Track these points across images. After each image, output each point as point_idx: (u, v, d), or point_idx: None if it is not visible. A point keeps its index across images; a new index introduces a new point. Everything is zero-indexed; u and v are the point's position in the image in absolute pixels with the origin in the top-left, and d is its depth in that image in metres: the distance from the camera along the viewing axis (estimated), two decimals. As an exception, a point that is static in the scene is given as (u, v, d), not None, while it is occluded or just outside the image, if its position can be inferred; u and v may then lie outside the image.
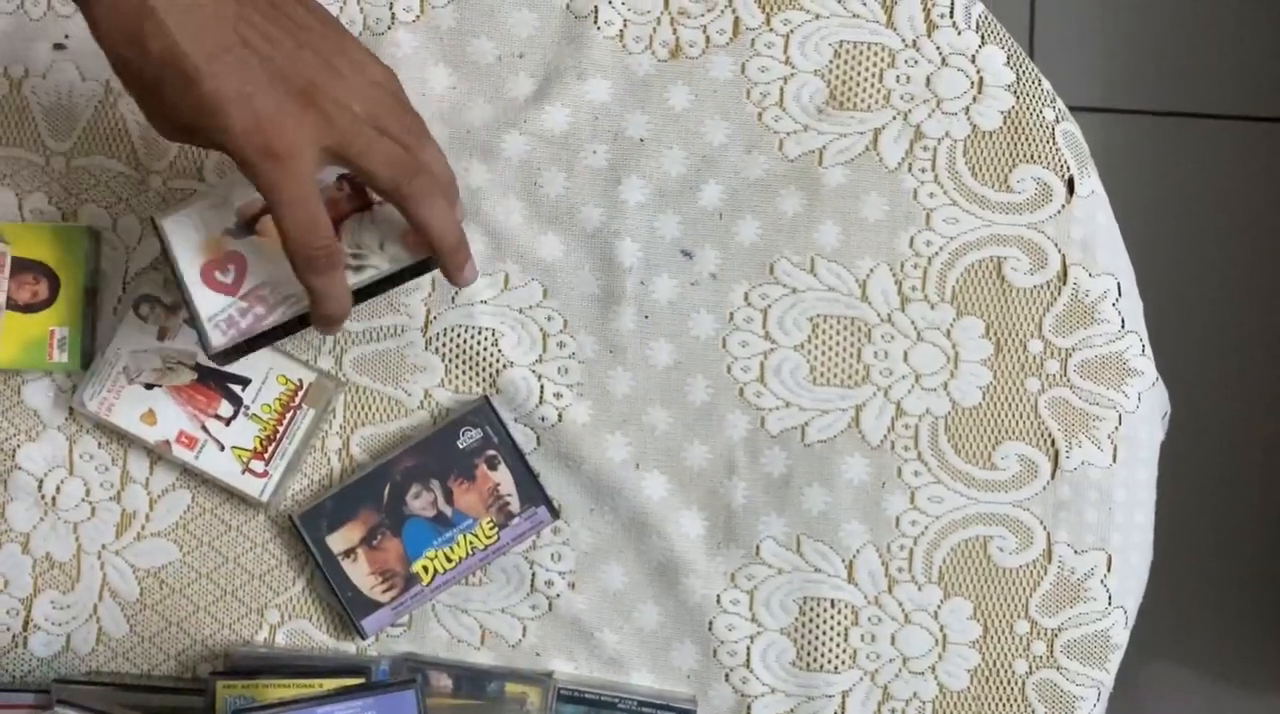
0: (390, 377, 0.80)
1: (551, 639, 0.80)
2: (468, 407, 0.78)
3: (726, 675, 0.80)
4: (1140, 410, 0.81)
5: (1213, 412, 1.51)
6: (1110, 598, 0.80)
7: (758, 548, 0.80)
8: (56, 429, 0.80)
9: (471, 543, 0.78)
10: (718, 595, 0.80)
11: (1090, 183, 0.81)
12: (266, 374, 0.78)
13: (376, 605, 0.78)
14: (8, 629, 0.80)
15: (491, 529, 0.78)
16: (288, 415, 0.78)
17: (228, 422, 0.78)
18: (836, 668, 0.80)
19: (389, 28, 0.82)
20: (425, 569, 0.78)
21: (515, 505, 0.78)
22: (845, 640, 0.80)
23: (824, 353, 0.80)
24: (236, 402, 0.78)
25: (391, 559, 0.77)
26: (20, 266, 0.79)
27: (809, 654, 0.80)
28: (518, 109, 0.81)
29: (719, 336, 0.80)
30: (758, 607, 0.80)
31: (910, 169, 0.81)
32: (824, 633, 0.80)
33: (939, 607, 0.80)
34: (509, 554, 0.79)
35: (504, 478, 0.78)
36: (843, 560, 0.80)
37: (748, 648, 0.80)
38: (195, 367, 0.78)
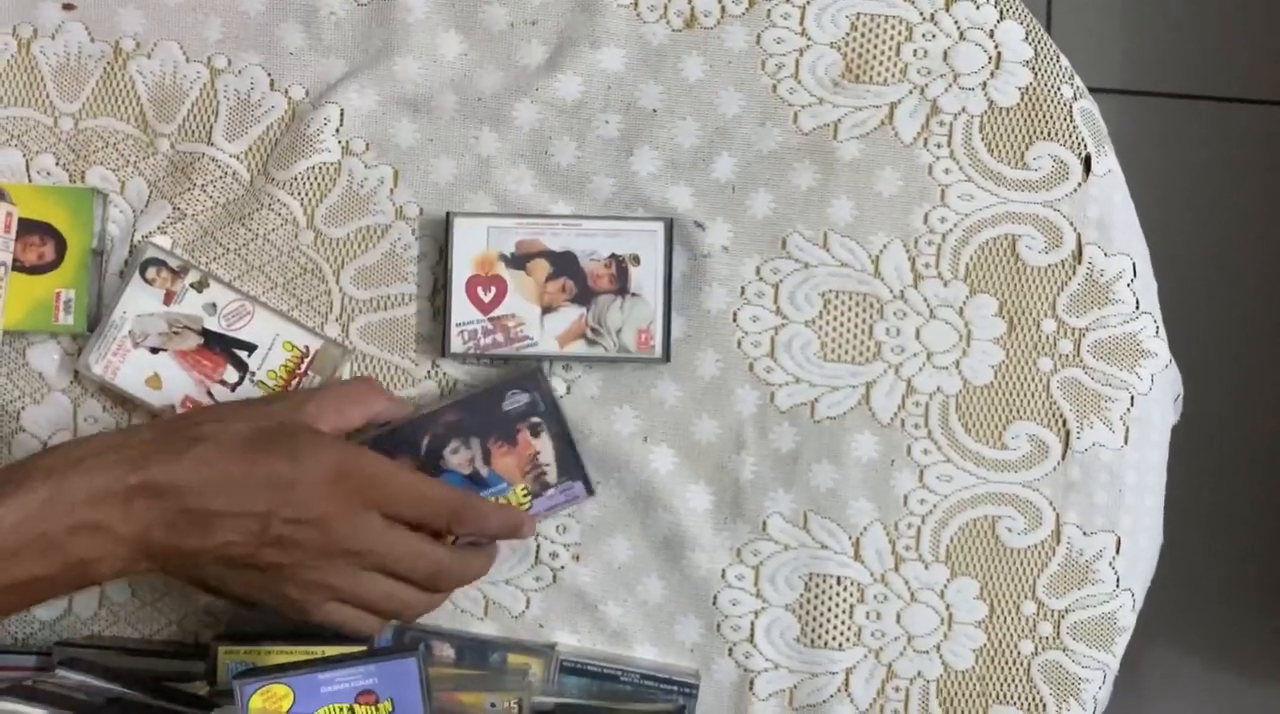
0: (397, 346, 0.80)
1: (555, 611, 0.80)
2: (518, 370, 0.78)
3: (730, 650, 0.80)
4: (1153, 392, 0.80)
5: (1225, 396, 1.50)
6: (1118, 580, 0.80)
7: (764, 523, 0.79)
8: (61, 392, 0.79)
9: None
10: (723, 570, 0.80)
11: (1107, 161, 0.80)
12: (273, 340, 0.78)
13: None
14: (10, 591, 0.80)
15: (525, 496, 0.77)
16: (293, 382, 0.78)
17: (233, 387, 0.77)
18: (841, 645, 0.80)
19: (401, -8, 0.81)
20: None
21: (552, 476, 0.78)
22: (850, 618, 0.80)
23: (835, 329, 0.80)
24: (242, 367, 0.77)
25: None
26: (27, 228, 0.78)
27: (813, 631, 0.80)
28: (530, 77, 0.80)
29: (729, 310, 0.80)
30: (763, 582, 0.80)
31: (926, 144, 0.80)
32: (829, 610, 0.80)
33: (945, 586, 0.80)
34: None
35: (545, 447, 0.77)
36: (850, 537, 0.80)
37: (752, 623, 0.80)
38: (201, 331, 0.78)
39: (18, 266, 0.78)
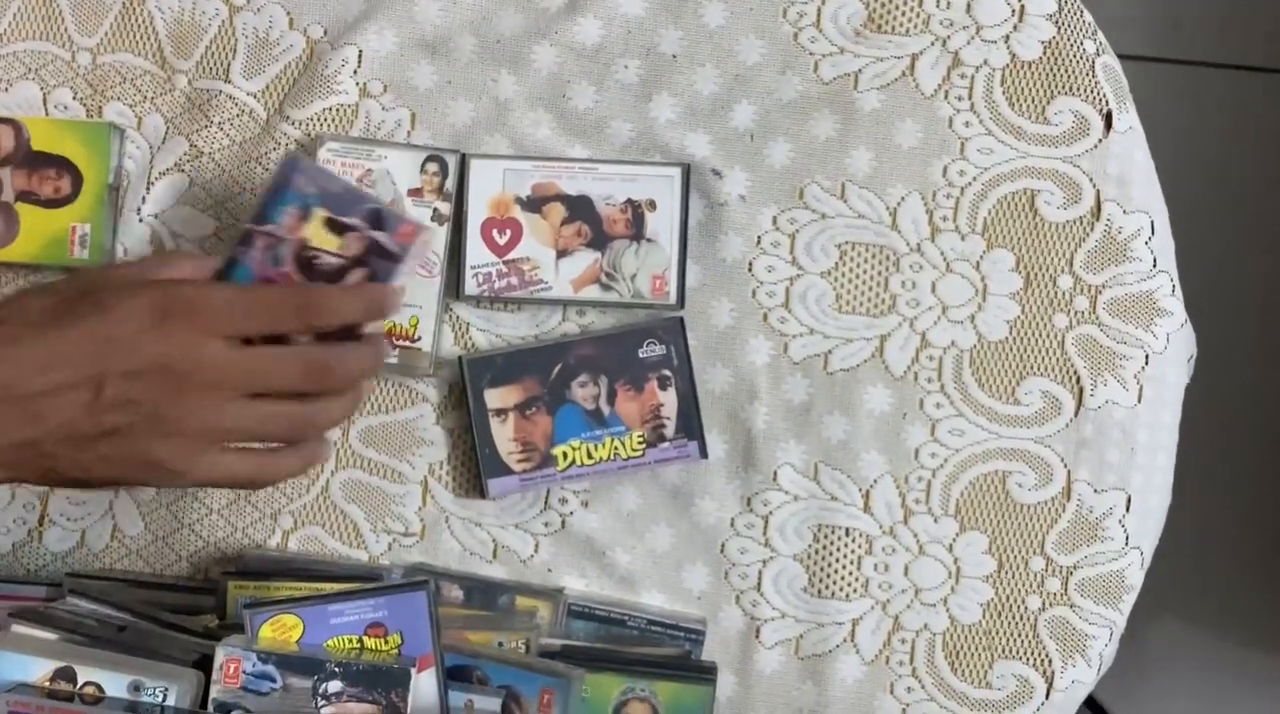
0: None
1: (563, 556, 0.80)
2: (661, 320, 0.78)
3: (737, 598, 0.80)
4: (1168, 351, 0.80)
5: (1236, 359, 1.49)
6: (1127, 538, 0.80)
7: (775, 474, 0.79)
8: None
9: (616, 448, 0.77)
10: (732, 519, 0.80)
11: (1128, 118, 0.80)
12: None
13: (508, 471, 0.77)
14: (23, 523, 0.81)
15: (639, 443, 0.77)
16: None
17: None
18: (848, 596, 0.80)
19: (422, -68, 0.80)
20: (564, 455, 0.77)
21: (670, 431, 0.78)
22: (858, 569, 0.80)
23: (851, 281, 0.79)
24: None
25: (537, 434, 0.77)
26: (44, 161, 0.78)
27: (821, 581, 0.80)
28: (549, 19, 0.80)
29: (745, 260, 0.79)
30: (772, 532, 0.80)
31: (946, 97, 0.79)
32: (837, 561, 0.80)
33: (954, 539, 0.80)
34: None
35: (669, 400, 0.77)
36: (860, 490, 0.80)
37: (759, 572, 0.80)
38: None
39: (34, 200, 0.78)
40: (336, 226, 0.67)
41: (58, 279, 0.64)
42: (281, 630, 0.64)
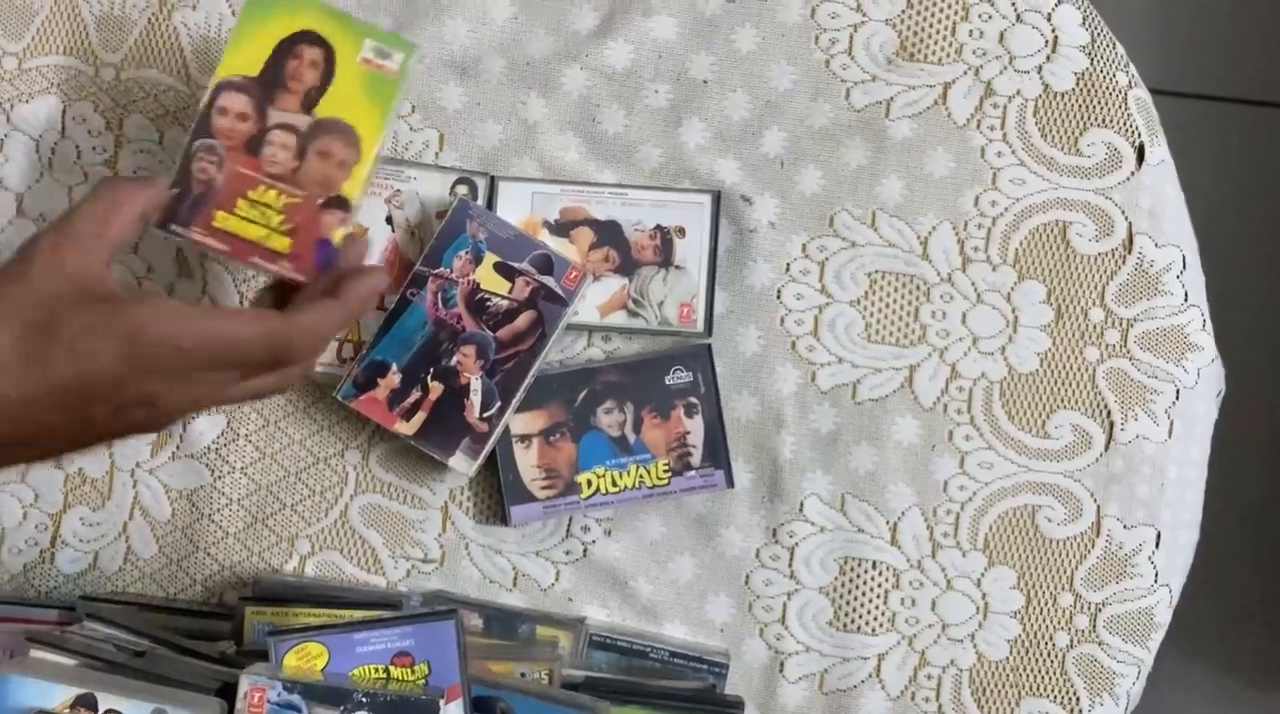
0: (436, 309, 0.79)
1: (585, 585, 0.79)
2: (687, 347, 0.77)
3: (761, 631, 0.79)
4: (1199, 386, 0.79)
5: (1262, 395, 1.49)
6: (1157, 575, 0.79)
7: (801, 504, 0.78)
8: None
9: (641, 476, 0.76)
10: (757, 550, 0.79)
11: (1160, 151, 0.79)
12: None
13: (531, 498, 0.76)
14: (35, 543, 0.79)
15: (665, 472, 0.76)
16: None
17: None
18: (874, 630, 0.78)
19: (453, -48, 0.79)
20: (589, 483, 0.76)
21: (696, 459, 0.76)
22: (885, 603, 0.78)
23: (880, 310, 0.79)
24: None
25: (561, 461, 0.76)
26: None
27: (846, 615, 0.78)
28: (580, 43, 0.79)
29: (774, 287, 0.79)
30: (797, 564, 0.79)
31: (979, 126, 0.79)
32: (863, 594, 0.78)
33: (982, 574, 0.78)
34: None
35: (696, 428, 0.76)
36: (887, 522, 0.78)
37: (784, 604, 0.79)
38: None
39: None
40: (506, 271, 0.72)
41: (11, 271, 0.57)
42: (306, 659, 0.62)
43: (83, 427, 0.56)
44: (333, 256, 0.65)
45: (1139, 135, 0.79)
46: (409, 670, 0.63)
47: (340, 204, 0.65)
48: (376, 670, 0.63)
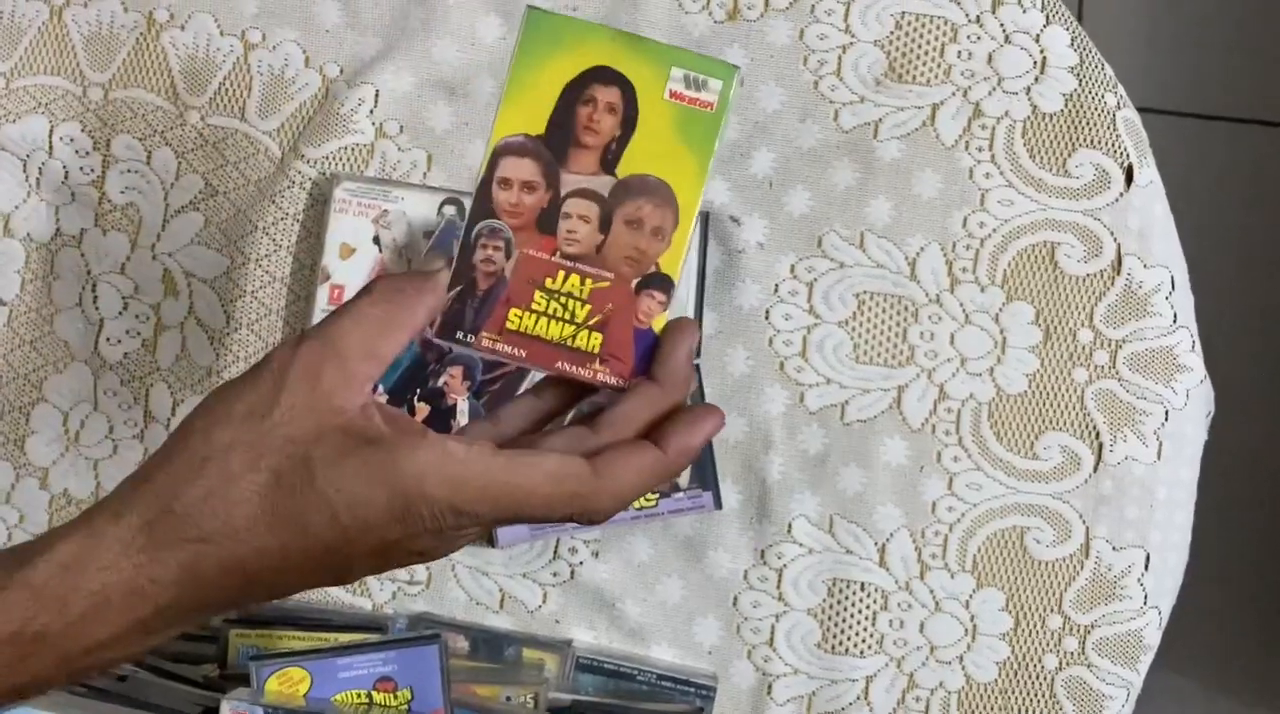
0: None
1: (572, 607, 0.79)
2: None
3: (749, 653, 0.78)
4: (1188, 408, 0.79)
5: (1252, 416, 1.49)
6: (1146, 597, 0.79)
7: (790, 526, 0.78)
8: (83, 362, 0.78)
9: None
10: (745, 571, 0.78)
11: (1149, 172, 0.79)
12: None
13: None
14: (19, 565, 0.79)
15: (652, 493, 0.76)
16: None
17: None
18: (862, 652, 0.78)
19: (441, -27, 0.80)
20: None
21: (684, 481, 0.76)
22: (873, 625, 0.78)
23: (869, 331, 0.78)
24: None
25: None
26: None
27: (835, 637, 0.78)
28: (568, 63, 0.79)
29: (762, 308, 0.78)
30: (785, 585, 0.78)
31: (967, 147, 0.79)
32: (851, 616, 0.78)
33: (971, 596, 0.78)
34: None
35: None
36: (875, 543, 0.78)
37: (772, 626, 0.78)
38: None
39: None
40: None
41: (254, 407, 0.46)
42: (288, 684, 0.62)
43: (338, 577, 0.48)
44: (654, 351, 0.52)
45: (1127, 156, 0.79)
46: (392, 696, 0.63)
47: (659, 283, 0.51)
48: (359, 696, 0.63)
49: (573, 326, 0.51)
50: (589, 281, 0.51)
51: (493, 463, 0.47)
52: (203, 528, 0.45)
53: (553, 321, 0.51)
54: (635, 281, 0.51)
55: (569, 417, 0.53)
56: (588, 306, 0.51)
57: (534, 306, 0.51)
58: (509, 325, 0.51)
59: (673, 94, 0.51)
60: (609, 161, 0.51)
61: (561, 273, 0.51)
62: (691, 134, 0.51)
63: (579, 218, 0.51)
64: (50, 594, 0.44)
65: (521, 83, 0.51)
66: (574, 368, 0.51)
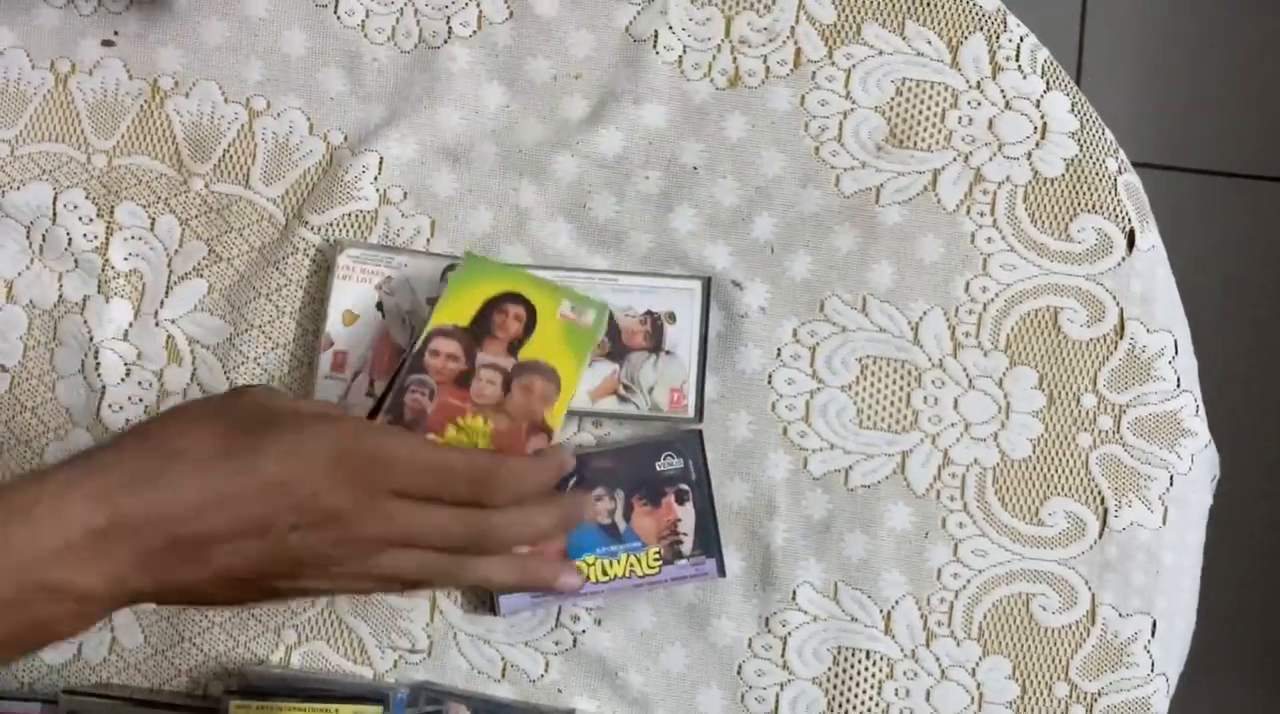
0: (425, 396, 0.78)
1: (574, 676, 0.78)
2: (679, 433, 0.76)
3: (754, 723, 0.78)
4: (1192, 472, 0.79)
5: (1258, 479, 1.48)
6: (1153, 664, 0.78)
7: (794, 593, 0.78)
8: (85, 429, 0.78)
9: (632, 565, 0.75)
10: (749, 639, 0.78)
11: (1150, 237, 0.79)
12: (300, 386, 0.76)
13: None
14: (17, 634, 0.78)
15: (655, 560, 0.76)
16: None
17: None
18: (868, 721, 0.77)
19: (445, 42, 0.80)
20: (579, 572, 0.75)
21: (687, 548, 0.76)
22: (879, 694, 0.77)
23: (872, 395, 0.78)
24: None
25: (550, 550, 0.75)
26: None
27: (840, 706, 0.77)
28: (571, 130, 0.79)
29: (764, 372, 0.78)
30: (790, 653, 0.78)
31: (969, 212, 0.79)
32: (857, 685, 0.77)
33: (977, 664, 0.77)
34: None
35: (687, 516, 0.76)
36: (881, 611, 0.78)
37: (777, 695, 0.78)
38: (228, 374, 0.76)
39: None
40: None
41: (225, 394, 0.62)
42: (288, 760, 0.61)
43: (260, 537, 0.55)
44: None
45: (1129, 221, 0.79)
46: (393, 772, 0.62)
47: (543, 430, 0.70)
48: (360, 772, 0.62)
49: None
50: (490, 422, 0.70)
51: (418, 438, 0.63)
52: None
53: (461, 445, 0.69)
54: (524, 426, 0.70)
55: None
56: (487, 440, 0.69)
57: (447, 435, 0.69)
58: None
59: (562, 315, 0.73)
60: (513, 349, 0.72)
61: (470, 415, 0.70)
62: (573, 341, 0.72)
63: (487, 381, 0.71)
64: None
65: (456, 293, 0.72)
66: None
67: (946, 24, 0.80)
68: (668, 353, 0.77)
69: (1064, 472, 0.78)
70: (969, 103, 0.79)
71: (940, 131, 0.79)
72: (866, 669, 0.77)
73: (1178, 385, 0.79)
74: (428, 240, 0.79)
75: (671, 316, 0.77)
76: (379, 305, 0.77)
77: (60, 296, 0.79)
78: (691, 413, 0.77)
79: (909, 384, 0.78)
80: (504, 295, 0.73)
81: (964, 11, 0.80)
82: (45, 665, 0.78)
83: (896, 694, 0.77)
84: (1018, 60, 0.80)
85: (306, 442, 0.56)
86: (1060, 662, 0.78)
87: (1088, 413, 0.78)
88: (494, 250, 0.79)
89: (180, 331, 0.78)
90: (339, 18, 0.81)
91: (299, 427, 0.57)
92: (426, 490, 0.58)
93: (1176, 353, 0.79)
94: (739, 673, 0.78)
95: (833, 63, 0.80)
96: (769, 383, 0.78)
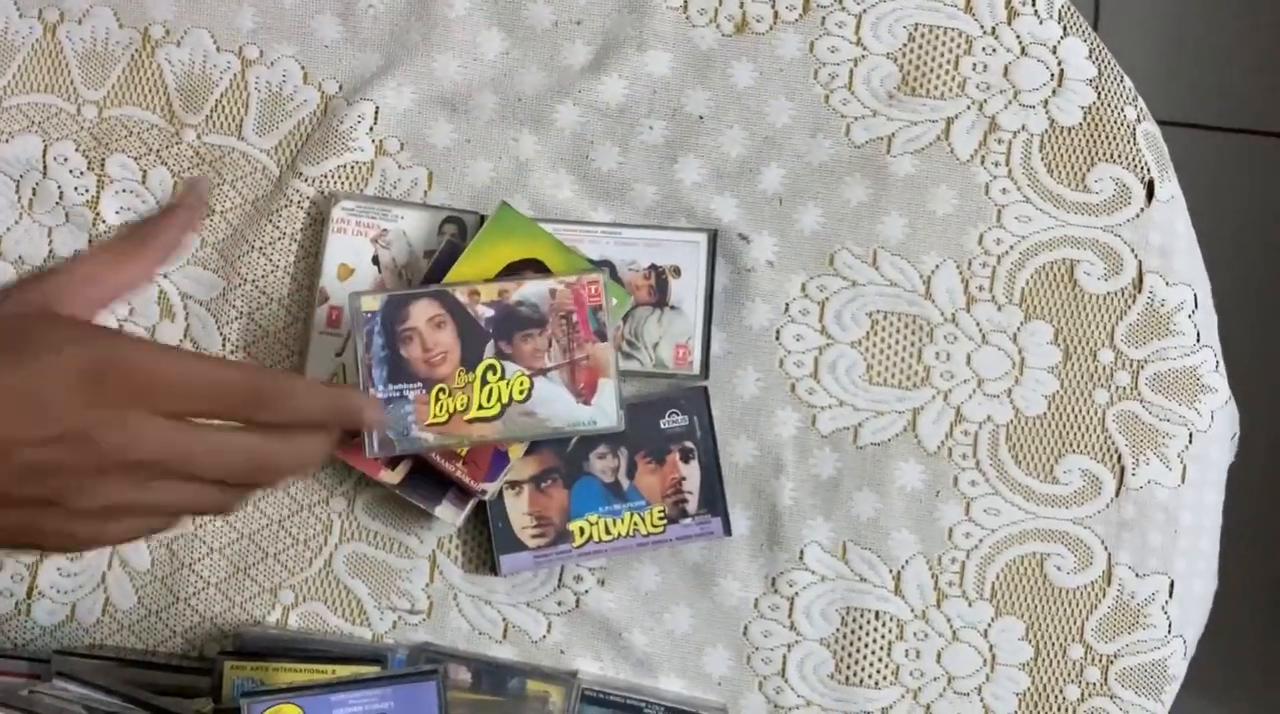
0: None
1: (577, 637, 0.76)
2: (684, 390, 0.74)
3: (760, 684, 0.76)
4: (1212, 429, 0.76)
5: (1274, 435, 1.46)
6: (1170, 626, 0.76)
7: (801, 552, 0.76)
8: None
9: (636, 524, 0.74)
10: (755, 600, 0.76)
11: (1170, 187, 0.77)
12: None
13: (521, 546, 0.73)
14: (11, 595, 0.77)
15: (660, 519, 0.74)
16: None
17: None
18: (877, 684, 0.76)
19: (442, -13, 0.78)
20: (581, 531, 0.74)
21: (692, 506, 0.74)
22: (888, 655, 0.76)
23: (882, 351, 0.76)
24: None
25: (553, 508, 0.73)
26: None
27: (849, 667, 0.76)
28: (572, 78, 0.77)
29: (772, 328, 0.76)
30: (797, 614, 0.76)
31: (983, 162, 0.77)
32: (866, 646, 0.76)
33: (989, 625, 0.76)
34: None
35: (692, 474, 0.74)
36: (890, 571, 0.76)
37: (784, 656, 0.76)
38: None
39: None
40: None
41: None
42: (282, 721, 0.60)
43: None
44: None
45: (1148, 171, 0.77)
46: (388, 733, 0.61)
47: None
48: (355, 733, 0.61)
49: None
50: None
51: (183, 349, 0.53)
52: None
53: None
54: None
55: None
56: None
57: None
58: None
59: None
60: None
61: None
62: None
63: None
64: None
65: (483, 247, 0.71)
66: (442, 461, 0.70)
67: (960, -33, 0.78)
68: (672, 308, 0.75)
69: (1080, 429, 0.76)
70: (984, 49, 0.77)
71: (954, 79, 0.77)
72: (876, 630, 0.76)
73: (1197, 340, 0.76)
74: (425, 192, 0.77)
75: (676, 271, 0.75)
76: (374, 259, 0.75)
77: (51, 251, 0.77)
78: (697, 369, 0.75)
79: (920, 339, 0.76)
80: (527, 262, 0.71)
81: (979, -46, 0.77)
82: (38, 626, 0.76)
83: (907, 655, 0.76)
84: (1034, 5, 0.77)
85: (54, 348, 0.49)
86: (1075, 623, 0.76)
87: (1105, 368, 0.76)
88: (494, 203, 0.76)
89: (173, 286, 0.77)
90: (333, -37, 0.78)
91: (48, 334, 0.49)
92: (193, 408, 0.51)
93: (1196, 307, 0.77)
94: (745, 634, 0.76)
95: (843, 7, 0.77)
96: (777, 339, 0.76)
